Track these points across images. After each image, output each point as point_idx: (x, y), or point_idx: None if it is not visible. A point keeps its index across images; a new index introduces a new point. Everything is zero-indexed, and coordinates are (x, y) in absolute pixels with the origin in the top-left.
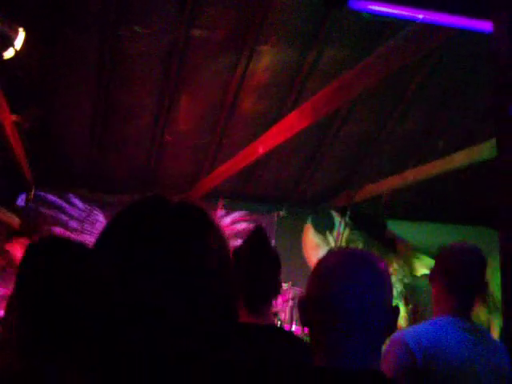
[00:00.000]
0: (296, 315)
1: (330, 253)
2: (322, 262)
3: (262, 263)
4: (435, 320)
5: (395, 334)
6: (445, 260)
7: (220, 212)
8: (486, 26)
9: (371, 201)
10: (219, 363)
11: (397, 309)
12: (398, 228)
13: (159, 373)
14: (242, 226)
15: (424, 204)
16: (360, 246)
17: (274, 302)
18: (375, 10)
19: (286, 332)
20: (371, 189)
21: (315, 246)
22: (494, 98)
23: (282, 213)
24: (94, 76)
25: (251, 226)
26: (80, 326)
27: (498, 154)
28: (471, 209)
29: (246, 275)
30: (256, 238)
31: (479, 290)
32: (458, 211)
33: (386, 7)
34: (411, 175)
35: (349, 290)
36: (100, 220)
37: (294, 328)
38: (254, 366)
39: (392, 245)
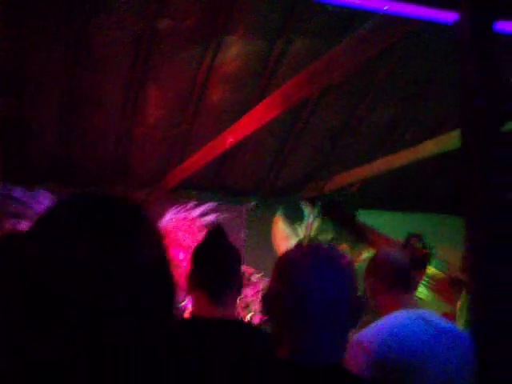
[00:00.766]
0: None
1: (294, 248)
2: (285, 257)
3: (220, 257)
4: (392, 316)
5: (357, 336)
6: (383, 263)
7: (190, 203)
8: (450, 16)
9: (341, 191)
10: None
11: (362, 303)
12: (368, 217)
13: (146, 365)
14: (212, 217)
15: (394, 193)
16: (330, 236)
17: (243, 294)
18: (341, 1)
19: (247, 325)
20: (341, 179)
21: (285, 237)
22: (460, 89)
23: (252, 204)
24: (60, 67)
25: (221, 216)
26: (65, 312)
27: (462, 145)
28: (440, 198)
29: (207, 269)
30: (214, 235)
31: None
32: (427, 200)
33: None
34: (381, 165)
35: (312, 286)
36: None
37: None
38: (234, 359)
39: (363, 234)
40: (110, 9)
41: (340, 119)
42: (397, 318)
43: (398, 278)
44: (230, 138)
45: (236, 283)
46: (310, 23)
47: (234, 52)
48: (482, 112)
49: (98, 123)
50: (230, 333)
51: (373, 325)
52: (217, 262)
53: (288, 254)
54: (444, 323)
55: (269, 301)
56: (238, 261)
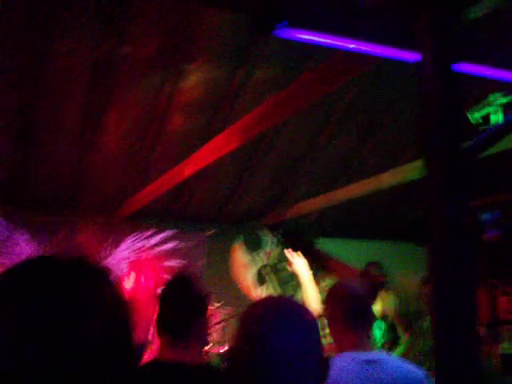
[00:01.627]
0: (227, 335)
1: (257, 304)
2: (248, 314)
3: (185, 302)
4: (338, 357)
5: None
6: (335, 301)
7: (149, 231)
8: (413, 56)
9: (301, 219)
10: None
11: (327, 360)
12: (327, 245)
13: None
14: (171, 245)
15: (352, 221)
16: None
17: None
18: (304, 39)
19: (209, 370)
20: (301, 207)
21: (244, 265)
22: (421, 123)
23: (212, 232)
24: (16, 93)
25: (181, 244)
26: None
27: (427, 176)
28: (397, 226)
29: (170, 313)
30: (179, 281)
31: (370, 320)
32: (384, 228)
33: (315, 36)
34: (340, 194)
35: (276, 344)
36: (23, 241)
37: (226, 348)
38: None
39: (322, 261)
40: (67, 34)
41: (300, 148)
42: (341, 360)
43: (352, 316)
44: (189, 169)
45: (201, 327)
46: (271, 52)
47: (194, 80)
48: (441, 149)
49: (55, 149)
50: (188, 377)
51: None
52: (180, 306)
53: (251, 310)
54: (400, 368)
55: (232, 357)
56: (204, 305)
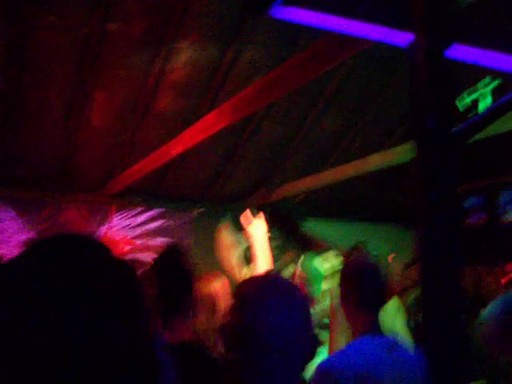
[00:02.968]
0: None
1: (248, 282)
2: (242, 289)
3: (174, 279)
4: (359, 341)
5: (322, 363)
6: (349, 280)
7: (136, 210)
8: (404, 38)
9: (288, 200)
10: None
11: (316, 337)
12: (314, 226)
13: None
14: (158, 223)
15: (339, 203)
16: (277, 243)
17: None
18: (297, 20)
19: (200, 350)
20: (288, 188)
21: (230, 246)
22: (411, 107)
23: (198, 211)
24: (1, 65)
25: (168, 223)
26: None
27: (415, 159)
28: (384, 208)
29: (159, 290)
30: (169, 254)
31: (384, 302)
32: (371, 210)
33: (307, 16)
34: (327, 176)
35: (269, 320)
36: (10, 217)
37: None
38: None
39: (309, 242)
40: (55, 10)
41: (288, 129)
42: (365, 345)
43: (369, 299)
44: (176, 148)
45: (186, 307)
46: (261, 33)
47: (183, 59)
48: (431, 133)
49: (42, 126)
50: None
51: (341, 351)
52: (165, 286)
53: (245, 287)
54: (399, 344)
55: (227, 332)
56: (189, 284)
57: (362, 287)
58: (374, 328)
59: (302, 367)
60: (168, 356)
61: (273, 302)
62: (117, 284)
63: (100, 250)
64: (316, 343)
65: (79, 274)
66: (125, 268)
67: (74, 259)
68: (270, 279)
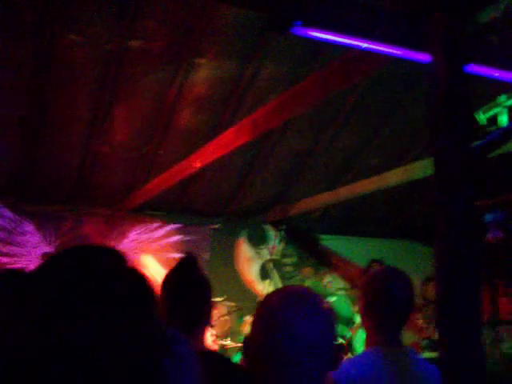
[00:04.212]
0: (230, 330)
1: (273, 293)
2: (265, 303)
3: (189, 289)
4: (366, 352)
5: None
6: (367, 291)
7: (154, 224)
8: (424, 57)
9: (305, 215)
10: None
11: (340, 347)
12: (331, 242)
13: None
14: (176, 238)
15: (356, 219)
16: (294, 259)
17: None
18: (319, 37)
19: (223, 358)
20: (305, 204)
21: (248, 260)
22: (430, 123)
23: (216, 226)
24: (26, 82)
25: (186, 238)
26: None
27: (435, 175)
28: (401, 224)
29: (176, 303)
30: (184, 265)
31: (407, 313)
32: (387, 226)
33: (328, 35)
34: (344, 192)
35: (293, 332)
36: (30, 231)
37: (228, 342)
38: None
39: (325, 258)
40: (81, 26)
41: (306, 145)
42: (369, 355)
43: (391, 316)
44: (196, 163)
45: (205, 316)
46: (281, 50)
47: (203, 75)
48: (450, 149)
49: (63, 140)
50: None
51: (347, 359)
52: (187, 295)
53: (267, 301)
54: (411, 356)
55: (250, 345)
56: (209, 292)
57: (378, 299)
58: (387, 340)
59: (323, 376)
60: (192, 351)
61: (296, 311)
62: (133, 291)
63: (118, 259)
64: (340, 353)
65: (101, 281)
66: (140, 276)
67: (96, 268)
68: (294, 290)
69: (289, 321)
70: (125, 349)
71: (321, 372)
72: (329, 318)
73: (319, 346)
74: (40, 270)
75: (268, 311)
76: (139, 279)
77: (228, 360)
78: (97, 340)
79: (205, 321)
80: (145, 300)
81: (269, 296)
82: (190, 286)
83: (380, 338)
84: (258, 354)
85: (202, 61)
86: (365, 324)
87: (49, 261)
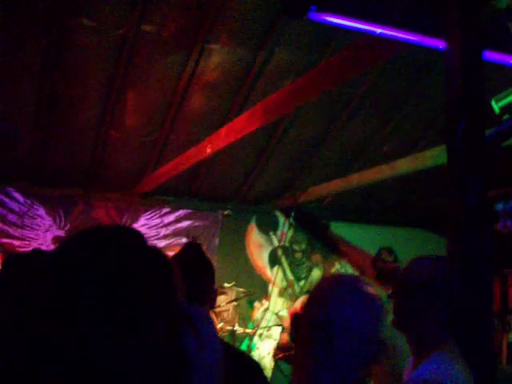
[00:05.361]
0: (238, 315)
1: (330, 278)
2: (321, 285)
3: (193, 275)
4: (448, 358)
5: (424, 376)
6: (432, 291)
7: (164, 209)
8: (439, 43)
9: (315, 203)
10: None
11: (383, 341)
12: (340, 229)
13: None
14: (186, 223)
15: (366, 207)
16: (303, 246)
17: (216, 303)
18: (334, 22)
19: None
20: (315, 191)
21: (259, 246)
22: (446, 111)
23: (226, 212)
24: (38, 66)
25: (196, 223)
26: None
27: (449, 164)
28: (410, 212)
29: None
30: (190, 249)
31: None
32: (397, 214)
33: (344, 20)
34: (355, 179)
35: (343, 316)
36: (41, 215)
37: (236, 327)
38: None
39: (335, 245)
40: (92, 13)
41: (317, 132)
42: (450, 360)
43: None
44: (208, 148)
45: (209, 299)
46: (293, 35)
47: (216, 60)
48: (464, 137)
49: (75, 125)
50: None
51: (439, 366)
52: (190, 277)
53: (326, 283)
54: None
55: (299, 324)
56: (212, 276)
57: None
58: (453, 344)
59: (365, 367)
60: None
61: (347, 298)
62: (155, 268)
63: (139, 238)
64: (381, 346)
65: (123, 260)
66: (161, 254)
67: (119, 245)
68: (350, 278)
69: (339, 305)
70: (149, 324)
71: (361, 360)
72: (379, 310)
73: (363, 334)
74: (62, 248)
75: (319, 293)
76: (161, 256)
77: (232, 347)
78: (122, 314)
79: (208, 306)
80: (167, 276)
81: (323, 280)
82: (193, 271)
83: (447, 341)
84: (303, 334)
85: (215, 46)
86: (422, 328)
87: (70, 240)
